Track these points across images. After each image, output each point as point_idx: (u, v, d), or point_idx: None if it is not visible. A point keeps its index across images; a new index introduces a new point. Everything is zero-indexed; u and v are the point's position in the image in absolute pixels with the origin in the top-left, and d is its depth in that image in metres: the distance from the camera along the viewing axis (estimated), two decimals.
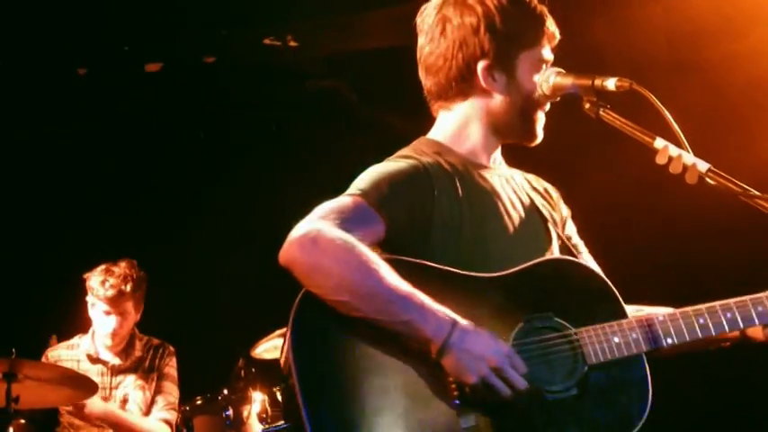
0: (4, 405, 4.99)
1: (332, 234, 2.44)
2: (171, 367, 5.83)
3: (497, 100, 2.80)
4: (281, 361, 2.53)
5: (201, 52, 6.81)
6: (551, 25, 2.84)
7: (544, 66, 2.81)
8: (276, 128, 7.38)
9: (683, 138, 2.60)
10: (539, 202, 2.96)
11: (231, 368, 5.60)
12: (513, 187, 2.91)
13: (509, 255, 2.72)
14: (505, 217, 2.80)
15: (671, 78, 5.65)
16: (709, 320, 2.66)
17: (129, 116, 7.16)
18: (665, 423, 2.68)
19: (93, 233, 6.86)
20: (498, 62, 2.77)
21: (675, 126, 2.61)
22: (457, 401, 2.43)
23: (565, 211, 3.06)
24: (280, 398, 5.51)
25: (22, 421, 5.21)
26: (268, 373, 5.62)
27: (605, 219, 5.90)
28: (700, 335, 2.65)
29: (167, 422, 5.59)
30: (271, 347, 5.68)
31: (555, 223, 2.94)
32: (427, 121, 2.93)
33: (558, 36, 2.85)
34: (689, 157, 2.58)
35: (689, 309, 2.69)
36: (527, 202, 2.92)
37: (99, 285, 5.55)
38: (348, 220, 2.50)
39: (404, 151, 2.81)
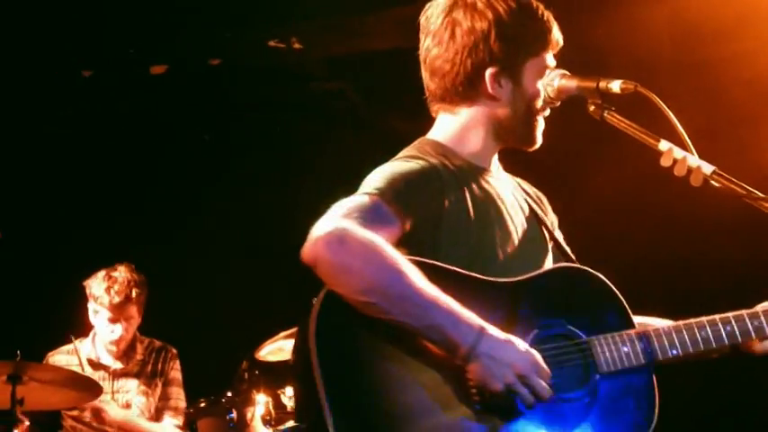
0: (9, 407, 5.00)
1: (360, 234, 2.40)
2: (176, 371, 5.83)
3: (502, 106, 2.79)
4: (293, 360, 2.51)
5: (206, 54, 6.82)
6: (557, 32, 2.83)
7: (547, 71, 2.80)
8: (280, 130, 7.38)
9: (688, 140, 2.60)
10: (534, 206, 2.97)
11: (235, 370, 5.60)
12: (512, 192, 2.92)
13: (513, 259, 2.74)
14: (508, 221, 2.80)
15: (675, 80, 5.65)
16: (710, 333, 2.71)
17: (134, 118, 7.17)
18: (669, 427, 2.69)
19: (96, 234, 6.87)
20: (506, 69, 2.76)
21: (680, 128, 2.61)
22: (478, 406, 2.43)
23: (554, 217, 3.07)
24: (286, 400, 5.51)
25: (27, 423, 5.21)
26: (272, 375, 5.62)
27: (606, 220, 5.91)
28: (702, 347, 2.70)
29: (181, 429, 5.59)
30: (275, 349, 5.67)
31: (549, 228, 2.96)
32: (431, 123, 2.92)
33: (561, 43, 2.84)
34: (694, 160, 2.57)
35: (691, 321, 2.73)
36: (525, 206, 2.92)
37: (104, 293, 5.51)
38: (370, 220, 2.46)
39: (409, 152, 2.78)
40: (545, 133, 2.86)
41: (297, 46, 6.68)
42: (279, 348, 5.68)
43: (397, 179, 2.60)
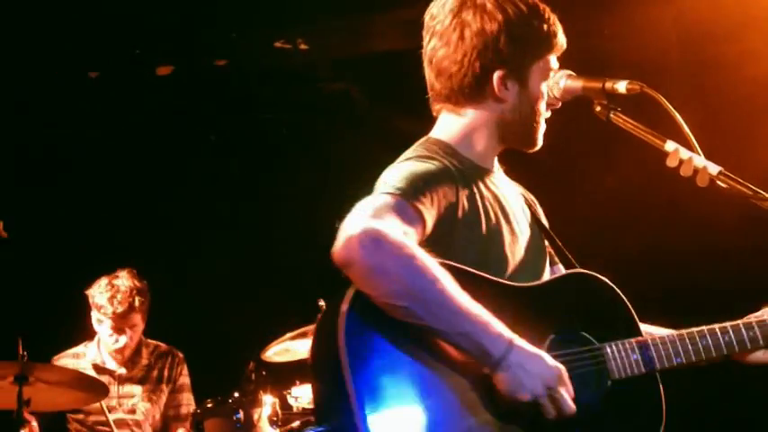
0: (16, 408, 5.00)
1: (394, 236, 2.37)
2: (184, 377, 5.83)
3: (507, 108, 2.78)
4: (315, 359, 2.51)
5: (212, 55, 6.83)
6: (562, 35, 2.82)
7: (552, 73, 2.80)
8: (287, 131, 7.39)
9: (694, 140, 2.60)
10: (533, 209, 2.99)
11: (242, 371, 5.60)
12: (513, 193, 2.93)
13: (520, 259, 2.75)
14: (514, 222, 2.80)
15: (681, 80, 5.64)
16: (710, 342, 2.77)
17: (140, 119, 7.18)
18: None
19: (101, 235, 6.88)
20: (513, 71, 2.75)
21: (686, 129, 2.61)
22: (501, 414, 2.44)
23: (545, 220, 3.08)
24: (292, 400, 5.51)
25: (34, 424, 5.22)
26: (279, 375, 5.63)
27: (606, 219, 5.90)
28: (703, 356, 2.77)
29: (188, 430, 5.59)
30: (281, 350, 5.67)
31: (547, 231, 2.98)
32: (435, 123, 2.91)
33: (565, 46, 2.84)
34: (700, 160, 2.58)
35: (693, 330, 2.79)
36: (526, 209, 2.94)
37: (107, 303, 5.47)
38: (399, 220, 2.44)
39: (420, 151, 2.76)
40: (546, 134, 2.86)
41: (303, 47, 6.69)
42: (285, 349, 5.68)
43: (417, 179, 2.57)
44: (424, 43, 2.85)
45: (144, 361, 5.72)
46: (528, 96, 2.78)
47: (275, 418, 5.40)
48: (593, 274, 2.80)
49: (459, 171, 2.71)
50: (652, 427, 2.67)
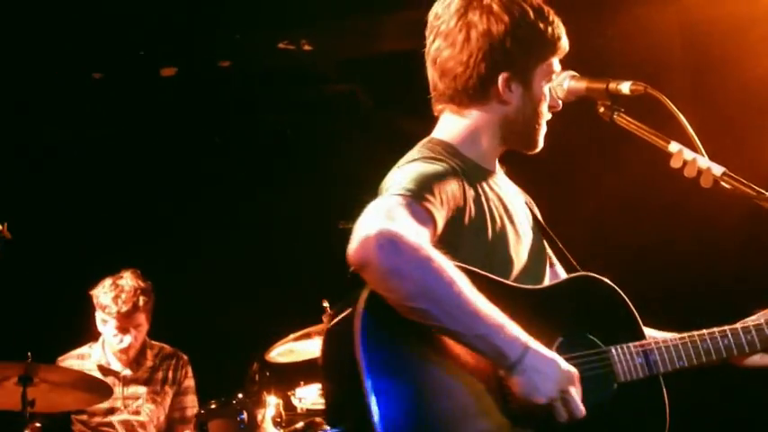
0: (20, 409, 5.01)
1: (410, 238, 2.35)
2: (189, 379, 5.83)
3: (511, 110, 2.78)
4: (327, 359, 2.52)
5: (216, 57, 6.83)
6: (565, 38, 2.82)
7: (554, 75, 2.81)
8: (291, 132, 7.39)
9: (698, 141, 2.60)
10: (533, 210, 3.00)
11: (246, 372, 5.60)
12: (514, 194, 2.94)
13: (524, 262, 2.77)
14: (517, 224, 2.81)
15: (685, 81, 5.64)
16: (710, 345, 2.78)
17: (144, 120, 7.19)
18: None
19: (106, 236, 6.89)
20: (517, 73, 2.75)
21: (690, 129, 2.61)
22: (514, 415, 2.45)
23: (542, 220, 3.08)
24: (296, 401, 5.51)
25: (38, 425, 5.23)
26: (283, 376, 5.63)
27: (607, 220, 5.91)
28: (704, 359, 2.78)
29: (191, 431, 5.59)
30: (285, 351, 5.68)
31: (547, 232, 2.98)
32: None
33: (568, 48, 2.84)
34: (704, 161, 2.58)
35: (694, 333, 2.80)
36: (527, 210, 2.95)
37: (111, 303, 5.48)
38: (413, 222, 2.43)
39: (425, 152, 2.75)
40: (550, 134, 2.86)
41: (307, 48, 6.69)
42: (289, 350, 5.68)
43: (426, 180, 2.56)
44: (428, 43, 2.84)
45: (149, 362, 5.71)
46: (531, 98, 2.78)
47: (279, 419, 5.40)
48: (598, 276, 2.81)
49: (464, 172, 2.71)
50: (657, 429, 2.69)
